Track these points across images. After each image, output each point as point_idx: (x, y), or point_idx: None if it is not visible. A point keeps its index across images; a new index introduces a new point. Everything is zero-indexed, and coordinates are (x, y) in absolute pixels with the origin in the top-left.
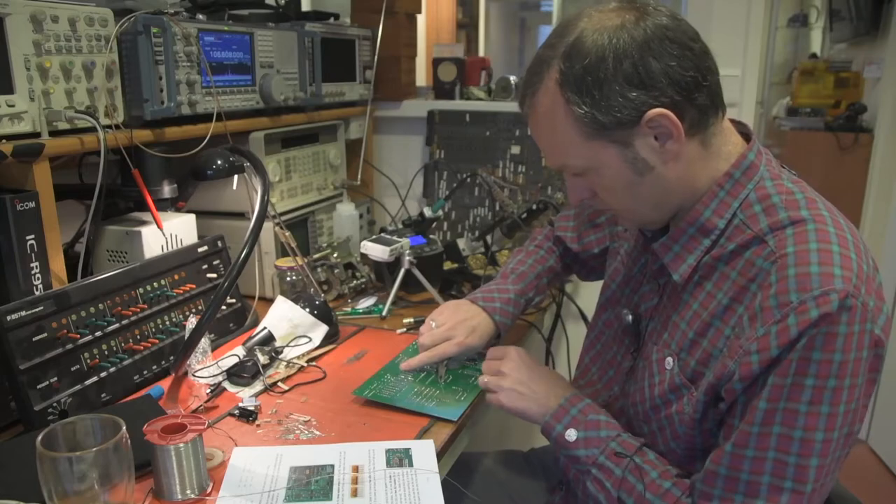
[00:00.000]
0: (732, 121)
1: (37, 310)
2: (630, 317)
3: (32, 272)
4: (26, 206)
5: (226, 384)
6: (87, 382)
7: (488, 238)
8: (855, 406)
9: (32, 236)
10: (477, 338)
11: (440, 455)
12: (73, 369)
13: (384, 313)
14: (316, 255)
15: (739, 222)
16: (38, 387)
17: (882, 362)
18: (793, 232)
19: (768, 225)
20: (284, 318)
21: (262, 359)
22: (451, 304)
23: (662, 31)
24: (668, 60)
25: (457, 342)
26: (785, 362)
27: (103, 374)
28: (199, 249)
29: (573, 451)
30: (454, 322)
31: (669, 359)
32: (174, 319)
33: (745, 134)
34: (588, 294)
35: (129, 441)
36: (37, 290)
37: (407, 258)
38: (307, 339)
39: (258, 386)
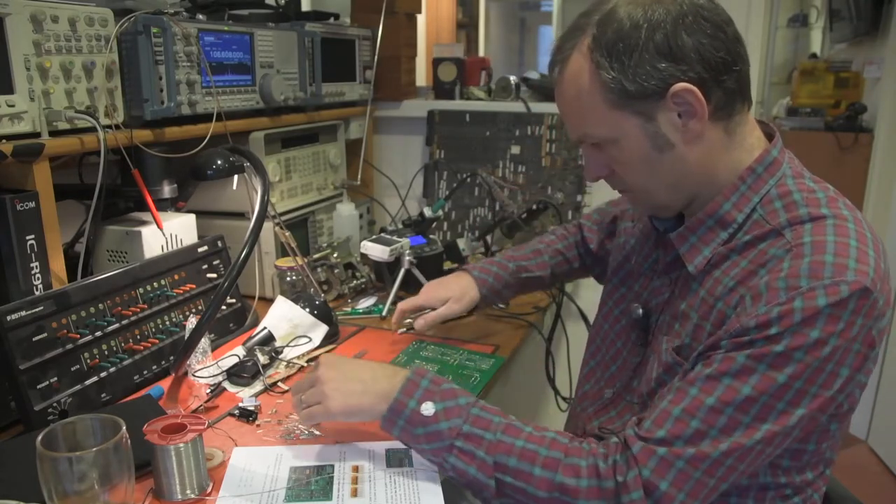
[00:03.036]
0: (757, 120)
1: (37, 310)
2: (641, 310)
3: (32, 272)
4: (26, 206)
5: (226, 384)
6: (87, 382)
7: (488, 238)
8: (831, 394)
9: (32, 236)
10: (446, 289)
11: None
12: (73, 369)
13: (384, 313)
14: (316, 255)
15: (759, 217)
16: (38, 387)
17: (869, 364)
18: (811, 226)
19: (787, 219)
20: (284, 318)
21: (262, 359)
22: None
23: (698, 9)
24: (701, 37)
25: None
26: (783, 337)
27: (103, 374)
28: (199, 249)
29: (433, 426)
30: (428, 288)
31: (676, 344)
32: (174, 319)
33: (769, 134)
34: (588, 294)
35: (129, 441)
36: (37, 290)
37: (407, 258)
38: (307, 339)
39: (258, 386)
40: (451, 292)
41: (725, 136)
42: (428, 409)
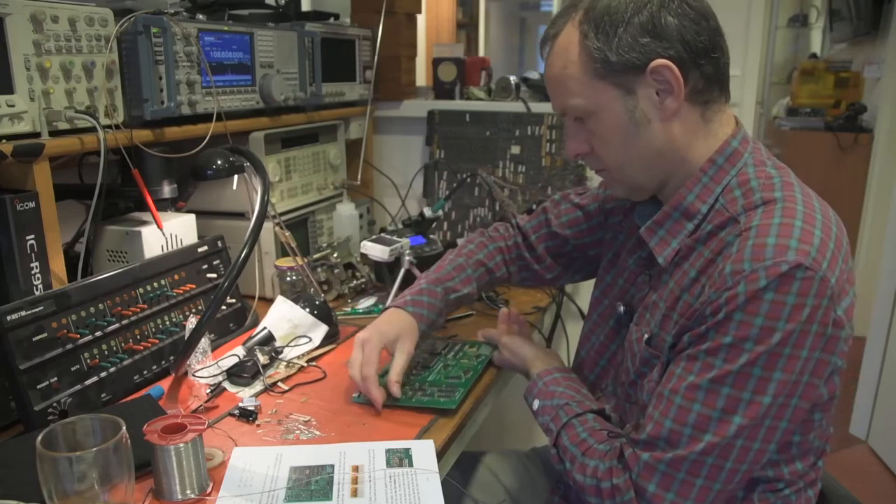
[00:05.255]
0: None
1: (37, 310)
2: (622, 308)
3: (32, 272)
4: (26, 206)
5: (226, 384)
6: (87, 382)
7: None
8: (795, 378)
9: (32, 236)
10: (386, 326)
11: (440, 455)
12: (73, 369)
13: None
14: (316, 255)
15: (720, 206)
16: (38, 387)
17: (840, 345)
18: (763, 210)
19: (743, 206)
20: (284, 318)
21: (262, 359)
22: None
23: None
24: (684, 20)
25: (370, 349)
26: (729, 323)
27: (103, 374)
28: (199, 249)
29: (538, 418)
30: (365, 337)
31: (646, 335)
32: (174, 319)
33: None
34: (587, 294)
35: (129, 441)
36: (37, 290)
37: (407, 258)
38: (307, 339)
39: (258, 386)
40: (400, 334)
41: (702, 122)
42: (535, 405)
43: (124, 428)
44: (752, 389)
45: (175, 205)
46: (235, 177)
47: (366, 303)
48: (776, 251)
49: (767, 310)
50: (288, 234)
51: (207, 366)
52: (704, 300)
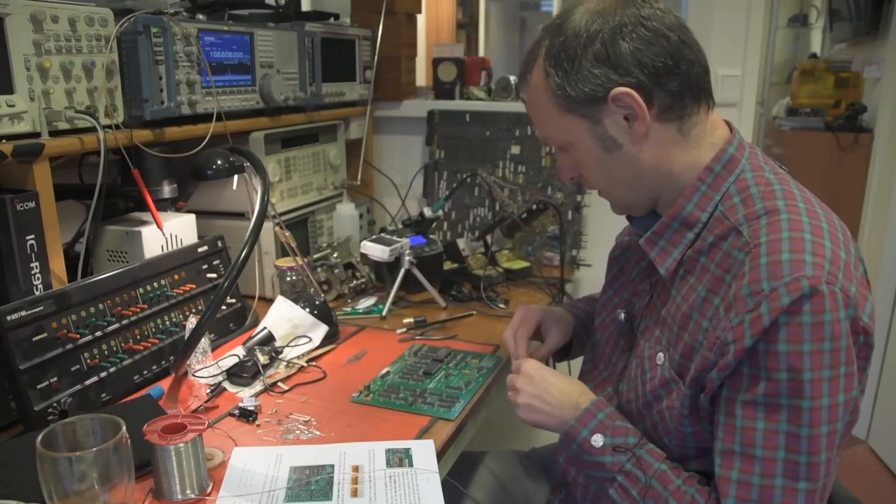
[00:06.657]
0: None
1: (37, 310)
2: (623, 315)
3: (32, 272)
4: (26, 206)
5: (226, 384)
6: (87, 382)
7: (488, 238)
8: (844, 398)
9: (32, 236)
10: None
11: (440, 455)
12: (73, 369)
13: (384, 313)
14: (316, 255)
15: (719, 214)
16: (38, 387)
17: (871, 351)
18: (766, 222)
19: (744, 215)
20: (284, 318)
21: (262, 359)
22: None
23: (639, 18)
24: (638, 44)
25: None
26: (760, 354)
27: (103, 374)
28: (199, 249)
29: (598, 457)
30: (520, 316)
31: (661, 354)
32: (174, 319)
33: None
34: (588, 293)
35: (129, 441)
36: (37, 290)
37: (407, 258)
38: (307, 339)
39: (258, 386)
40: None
41: (679, 136)
42: (598, 441)
43: (124, 428)
44: (827, 420)
45: (175, 205)
46: (235, 177)
47: (366, 303)
48: (793, 267)
49: (799, 334)
50: (288, 234)
51: (207, 366)
52: (724, 326)
